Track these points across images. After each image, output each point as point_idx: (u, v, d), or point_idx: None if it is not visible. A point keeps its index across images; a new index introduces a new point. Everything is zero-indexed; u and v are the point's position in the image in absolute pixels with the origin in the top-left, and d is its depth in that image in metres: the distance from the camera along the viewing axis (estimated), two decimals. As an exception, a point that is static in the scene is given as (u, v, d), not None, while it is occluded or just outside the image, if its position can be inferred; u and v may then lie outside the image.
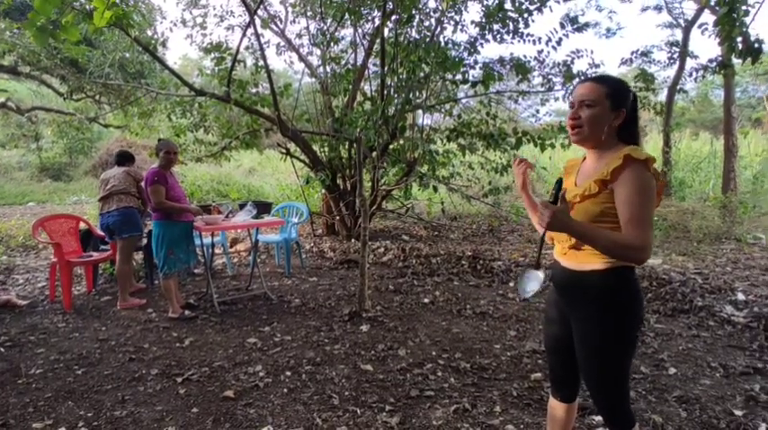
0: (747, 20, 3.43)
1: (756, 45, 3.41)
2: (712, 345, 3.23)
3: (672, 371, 2.86)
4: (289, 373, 2.89)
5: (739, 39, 3.45)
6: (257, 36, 5.90)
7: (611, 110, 1.46)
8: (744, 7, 3.39)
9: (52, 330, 3.67)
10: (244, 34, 5.98)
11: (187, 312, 3.94)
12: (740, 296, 4.07)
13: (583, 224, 1.42)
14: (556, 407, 1.76)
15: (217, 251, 5.64)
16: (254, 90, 6.28)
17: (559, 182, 1.51)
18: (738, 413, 2.39)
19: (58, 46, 8.05)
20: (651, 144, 12.88)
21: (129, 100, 8.04)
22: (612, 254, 1.42)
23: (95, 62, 8.68)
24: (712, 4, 7.63)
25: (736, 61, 4.40)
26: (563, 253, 1.57)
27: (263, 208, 4.76)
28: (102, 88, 10.74)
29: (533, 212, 1.70)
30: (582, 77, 5.68)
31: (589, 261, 1.48)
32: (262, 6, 6.91)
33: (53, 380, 2.85)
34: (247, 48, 7.57)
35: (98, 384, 2.78)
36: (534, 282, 1.56)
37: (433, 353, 3.15)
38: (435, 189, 6.14)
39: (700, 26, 4.31)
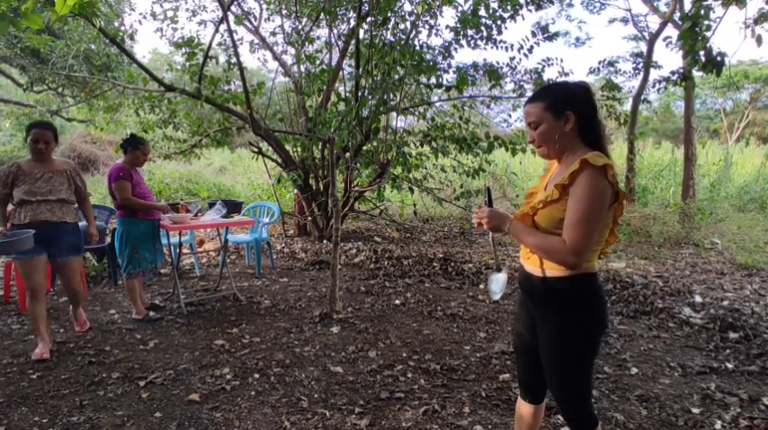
0: (709, 34, 3.59)
1: (719, 58, 3.57)
2: (671, 346, 3.36)
3: (633, 370, 2.95)
4: (257, 376, 2.83)
5: (701, 52, 3.60)
6: (230, 32, 5.80)
7: (555, 120, 1.47)
8: (706, 22, 3.54)
9: (6, 332, 3.49)
10: (216, 30, 5.87)
11: (152, 313, 3.83)
12: (698, 298, 4.25)
13: (515, 223, 1.51)
14: (523, 407, 1.79)
15: (185, 250, 5.50)
16: (226, 87, 6.15)
17: (488, 188, 1.69)
18: (695, 411, 2.48)
19: (18, 35, 7.70)
20: (617, 151, 13.30)
21: (95, 93, 7.75)
22: (542, 254, 1.46)
23: (58, 53, 8.32)
24: (676, 18, 7.97)
25: (696, 74, 4.60)
26: (526, 257, 1.59)
27: (232, 207, 4.67)
28: (65, 80, 10.34)
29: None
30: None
31: (550, 265, 1.49)
32: (235, 2, 6.79)
33: (5, 384, 2.71)
34: (220, 44, 7.43)
35: (54, 389, 2.66)
36: (500, 284, 1.65)
37: (404, 354, 3.15)
38: (411, 191, 6.17)
39: (664, 39, 4.48)
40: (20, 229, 2.95)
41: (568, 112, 1.46)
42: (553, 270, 1.49)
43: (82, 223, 3.44)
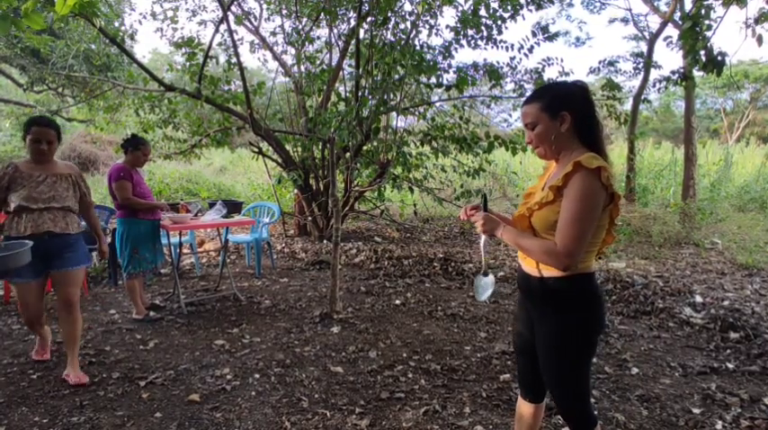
0: (709, 34, 3.59)
1: (719, 58, 3.56)
2: (672, 346, 3.36)
3: (634, 370, 2.95)
4: (257, 376, 2.83)
5: (702, 52, 3.60)
6: (230, 32, 5.80)
7: (551, 120, 1.47)
8: (706, 22, 3.54)
9: (6, 332, 3.49)
10: (216, 30, 5.87)
11: (152, 313, 3.83)
12: (698, 298, 4.25)
13: (508, 228, 1.52)
14: (524, 407, 1.79)
15: (185, 250, 5.49)
16: (226, 87, 6.15)
17: (484, 194, 1.72)
18: (696, 411, 2.48)
19: (18, 35, 7.70)
20: (617, 151, 13.30)
21: (95, 93, 7.76)
22: (535, 257, 1.47)
23: (58, 53, 8.33)
24: (676, 18, 7.97)
25: (696, 74, 4.59)
26: (523, 257, 1.59)
27: (233, 207, 4.67)
28: (65, 80, 10.35)
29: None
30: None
31: (546, 266, 1.49)
32: (235, 2, 6.78)
33: (5, 384, 2.71)
34: (220, 44, 7.43)
35: (54, 389, 2.66)
36: (485, 287, 1.69)
37: (404, 354, 3.15)
38: (411, 190, 6.17)
39: (664, 39, 4.49)
40: (16, 242, 2.48)
41: (564, 113, 1.46)
42: (550, 270, 1.49)
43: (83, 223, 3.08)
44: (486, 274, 1.71)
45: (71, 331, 2.78)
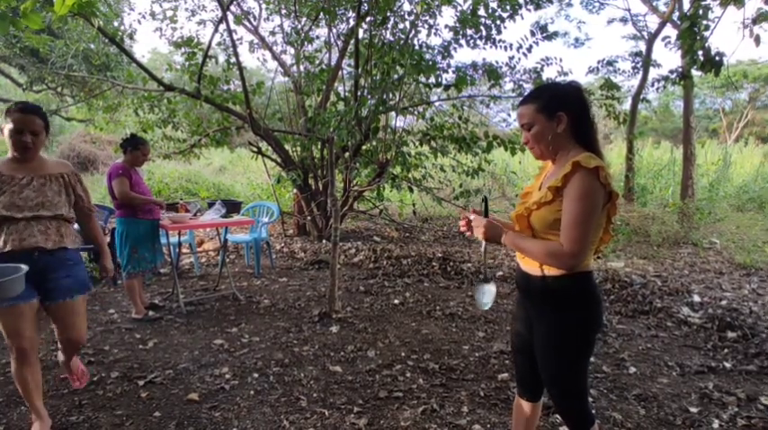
0: (707, 34, 3.59)
1: (717, 58, 3.57)
2: (670, 345, 3.36)
3: (632, 370, 2.96)
4: (256, 375, 2.84)
5: (700, 52, 3.61)
6: (230, 32, 5.81)
7: (548, 121, 1.48)
8: (704, 22, 3.55)
9: (5, 332, 3.49)
10: (216, 30, 5.88)
11: (151, 313, 3.83)
12: (696, 298, 4.26)
13: (510, 234, 1.52)
14: (521, 405, 1.80)
15: (184, 250, 5.50)
16: (225, 87, 6.15)
17: (485, 198, 1.69)
18: (693, 410, 2.49)
19: (17, 34, 7.70)
20: (616, 151, 13.32)
21: (94, 93, 7.76)
22: (540, 260, 1.47)
23: (58, 52, 8.33)
24: (674, 18, 7.98)
25: (695, 73, 4.60)
26: (522, 256, 1.60)
27: (232, 207, 4.68)
28: (64, 80, 10.35)
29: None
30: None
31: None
32: (235, 2, 6.79)
33: (5, 384, 2.71)
34: (219, 44, 7.43)
35: (53, 388, 2.67)
36: (488, 294, 1.70)
37: (403, 354, 3.16)
38: (411, 190, 6.17)
39: (663, 39, 4.49)
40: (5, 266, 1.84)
41: (561, 113, 1.47)
42: (550, 269, 1.50)
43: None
44: (487, 281, 1.72)
45: (77, 352, 2.62)
